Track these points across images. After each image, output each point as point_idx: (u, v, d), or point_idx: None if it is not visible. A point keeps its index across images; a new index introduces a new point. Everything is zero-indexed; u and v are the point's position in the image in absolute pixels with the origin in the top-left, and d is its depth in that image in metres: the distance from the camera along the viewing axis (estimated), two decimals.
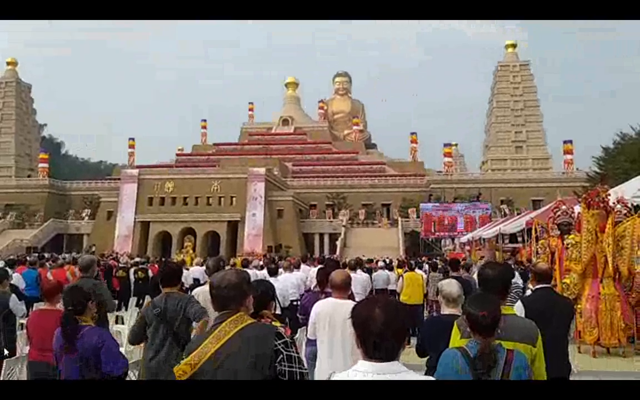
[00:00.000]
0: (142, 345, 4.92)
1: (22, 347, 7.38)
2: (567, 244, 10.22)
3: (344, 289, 4.76)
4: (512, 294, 6.68)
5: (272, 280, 10.25)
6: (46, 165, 73.80)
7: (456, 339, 3.31)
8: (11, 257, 22.23)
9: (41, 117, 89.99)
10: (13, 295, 6.40)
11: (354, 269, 11.33)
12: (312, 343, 5.01)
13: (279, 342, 2.63)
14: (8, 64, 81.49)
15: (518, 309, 4.38)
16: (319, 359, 4.64)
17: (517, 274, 13.00)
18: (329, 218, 62.79)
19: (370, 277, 13.76)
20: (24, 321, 7.28)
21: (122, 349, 5.71)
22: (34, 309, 8.64)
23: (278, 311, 5.85)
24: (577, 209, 11.20)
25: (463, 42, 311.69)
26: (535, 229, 14.49)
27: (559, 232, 11.20)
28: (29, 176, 75.40)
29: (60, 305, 5.43)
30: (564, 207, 11.73)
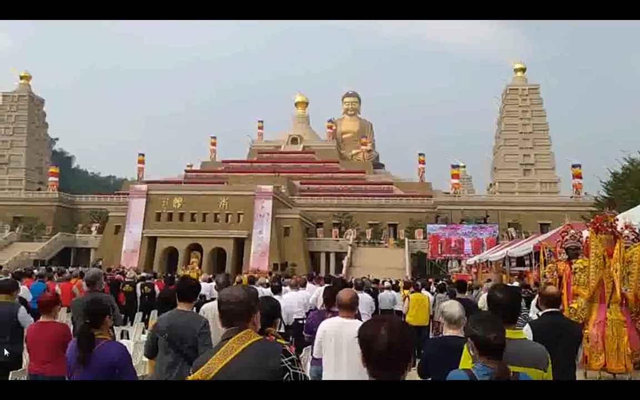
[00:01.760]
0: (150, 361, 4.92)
1: (29, 359, 7.41)
2: (575, 269, 10.16)
3: (350, 308, 4.75)
4: (519, 318, 6.63)
5: (276, 297, 10.27)
6: (56, 179, 74.44)
7: (467, 363, 3.29)
8: (18, 269, 22.37)
9: (52, 131, 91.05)
10: (22, 307, 6.44)
11: (360, 288, 11.31)
12: (317, 362, 5.00)
13: (286, 360, 2.65)
14: (21, 78, 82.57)
15: (527, 332, 4.36)
16: (324, 378, 4.63)
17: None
18: (335, 237, 62.69)
19: (376, 298, 13.70)
20: None
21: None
22: None
23: (282, 329, 5.87)
24: (585, 233, 11.14)
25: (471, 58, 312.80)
26: (543, 253, 14.40)
27: (566, 257, 11.13)
28: (38, 189, 76.00)
29: (59, 318, 5.47)
30: (572, 231, 11.67)
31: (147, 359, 5.12)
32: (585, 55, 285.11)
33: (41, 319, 5.35)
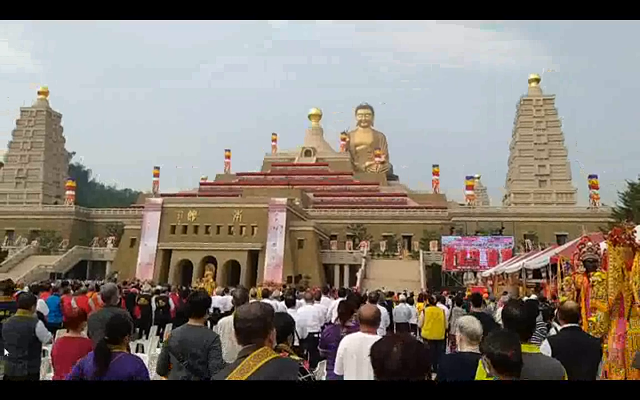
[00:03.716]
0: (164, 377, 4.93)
1: (45, 374, 7.45)
2: (593, 282, 10.01)
3: (373, 324, 4.69)
4: (536, 332, 6.53)
5: (291, 311, 10.25)
6: (73, 192, 75.38)
7: (482, 379, 3.27)
8: (34, 283, 22.59)
9: (69, 144, 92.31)
10: (39, 321, 6.48)
11: (374, 301, 11.23)
12: (335, 377, 4.95)
13: (303, 377, 2.64)
14: (39, 93, 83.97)
15: (545, 348, 4.30)
16: None
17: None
18: (349, 249, 62.56)
19: (391, 311, 13.60)
20: (48, 348, 7.36)
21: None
22: (56, 335, 8.73)
23: (296, 343, 5.83)
24: (603, 245, 10.99)
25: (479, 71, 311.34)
26: (560, 265, 14.22)
27: (584, 269, 10.97)
28: (55, 203, 76.94)
29: (84, 333, 5.50)
30: (589, 243, 11.51)
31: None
32: (614, 66, 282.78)
33: (67, 333, 5.39)
